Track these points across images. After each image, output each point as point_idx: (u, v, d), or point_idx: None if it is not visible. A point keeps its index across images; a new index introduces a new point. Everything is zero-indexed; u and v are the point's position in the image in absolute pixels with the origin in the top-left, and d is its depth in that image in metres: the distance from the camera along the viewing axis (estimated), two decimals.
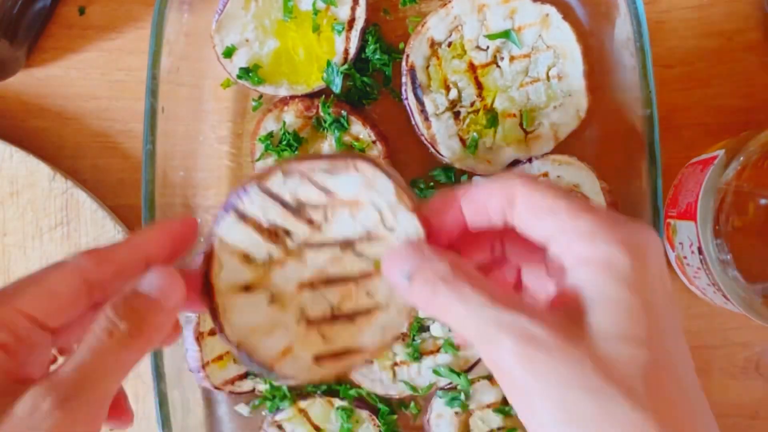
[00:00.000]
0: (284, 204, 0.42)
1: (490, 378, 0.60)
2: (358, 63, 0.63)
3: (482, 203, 0.41)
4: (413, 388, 0.60)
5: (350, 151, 0.43)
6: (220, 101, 0.64)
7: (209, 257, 0.42)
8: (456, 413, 0.60)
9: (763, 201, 0.52)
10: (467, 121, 0.61)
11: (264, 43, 0.62)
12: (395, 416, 0.62)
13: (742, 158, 0.53)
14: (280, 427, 0.60)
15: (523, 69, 0.61)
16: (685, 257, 0.58)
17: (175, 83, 0.59)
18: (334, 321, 0.43)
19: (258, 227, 0.42)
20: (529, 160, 0.60)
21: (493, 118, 0.61)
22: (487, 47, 0.61)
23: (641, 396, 0.36)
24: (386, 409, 0.61)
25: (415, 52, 0.61)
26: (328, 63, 0.61)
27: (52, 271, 0.40)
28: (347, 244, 0.43)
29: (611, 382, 0.36)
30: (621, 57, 0.58)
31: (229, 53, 0.61)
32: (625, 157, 0.59)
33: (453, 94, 0.61)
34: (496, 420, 0.59)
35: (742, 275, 0.53)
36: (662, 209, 0.55)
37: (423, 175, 0.63)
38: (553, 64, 0.61)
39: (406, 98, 0.61)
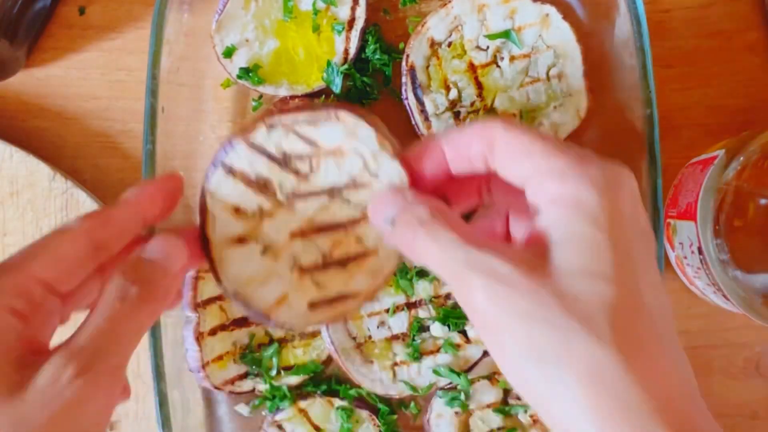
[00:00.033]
0: (270, 156, 0.43)
1: (490, 378, 0.60)
2: (358, 63, 0.63)
3: (464, 148, 0.42)
4: (413, 388, 0.60)
5: (331, 102, 0.44)
6: (220, 101, 0.64)
7: (203, 212, 0.44)
8: (456, 413, 0.60)
9: (763, 201, 0.52)
10: (467, 120, 0.61)
11: (264, 43, 0.62)
12: (395, 416, 0.62)
13: (742, 158, 0.53)
14: (280, 427, 0.60)
15: (523, 69, 0.61)
16: (685, 257, 0.58)
17: (175, 83, 0.59)
18: (326, 268, 0.44)
19: (246, 180, 0.44)
20: None
21: None
22: (487, 47, 0.61)
23: (604, 332, 0.36)
24: (386, 409, 0.61)
25: (415, 52, 0.61)
26: (328, 63, 0.61)
27: (59, 236, 0.40)
28: (334, 192, 0.44)
29: (572, 316, 0.36)
30: (621, 57, 0.58)
31: (229, 53, 0.61)
32: (625, 157, 0.58)
33: (453, 94, 0.61)
34: (496, 420, 0.59)
35: (742, 275, 0.53)
36: (662, 209, 0.55)
37: None
38: (553, 64, 0.61)
39: (406, 98, 0.61)
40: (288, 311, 0.44)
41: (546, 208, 0.39)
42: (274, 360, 0.61)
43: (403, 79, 0.61)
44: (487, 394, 0.60)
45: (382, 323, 0.60)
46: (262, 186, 0.44)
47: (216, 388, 0.60)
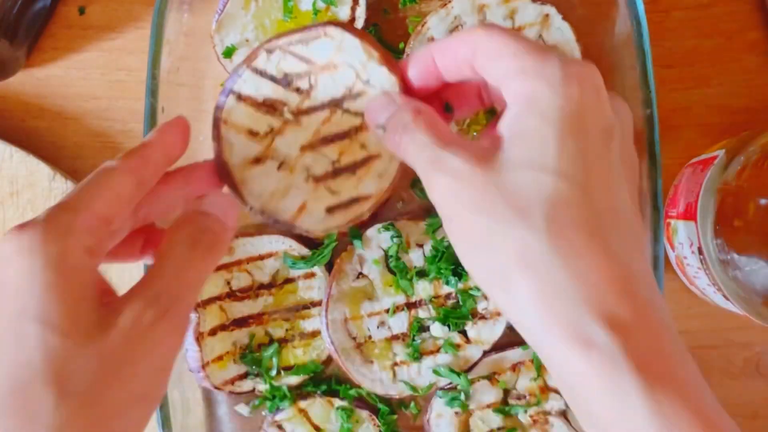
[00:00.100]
0: (273, 78, 0.47)
1: (490, 378, 0.60)
2: None
3: (451, 55, 0.44)
4: (413, 388, 0.60)
5: (321, 21, 0.48)
6: None
7: (219, 140, 0.48)
8: (456, 413, 0.60)
9: (763, 201, 0.52)
10: (467, 121, 0.61)
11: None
12: (395, 416, 0.62)
13: (742, 158, 0.53)
14: (280, 427, 0.60)
15: None
16: (685, 257, 0.58)
17: (175, 83, 0.59)
18: (336, 175, 0.48)
19: (255, 104, 0.47)
20: None
21: None
22: None
23: (539, 222, 0.37)
24: (386, 409, 0.61)
25: None
26: None
27: (109, 175, 0.41)
28: (335, 104, 0.47)
29: (511, 207, 0.38)
30: (621, 57, 0.58)
31: (229, 53, 0.61)
32: None
33: None
34: (496, 420, 0.59)
35: (742, 275, 0.53)
36: (662, 209, 0.55)
37: None
38: None
39: None
40: (309, 218, 0.48)
41: (509, 105, 0.41)
42: (274, 360, 0.61)
43: None
44: (487, 394, 0.60)
45: (382, 323, 0.60)
46: (269, 107, 0.47)
47: (216, 388, 0.60)
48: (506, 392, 0.60)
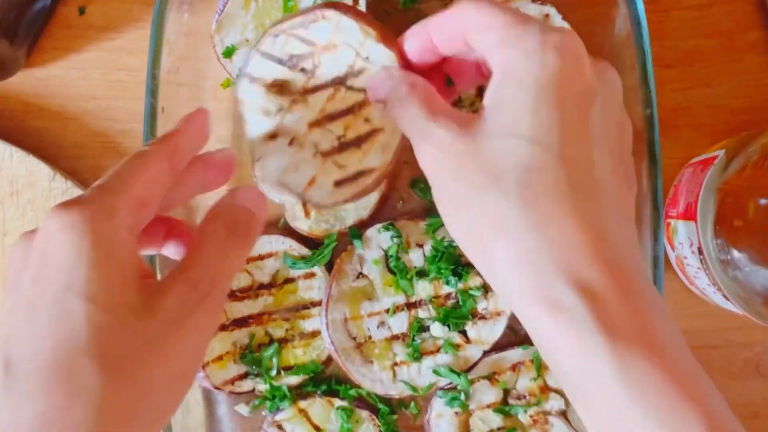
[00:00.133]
0: (279, 60, 0.50)
1: (490, 378, 0.60)
2: None
3: (445, 29, 0.45)
4: (413, 388, 0.60)
5: (321, 3, 0.51)
6: (220, 101, 0.64)
7: (239, 120, 0.51)
8: (456, 413, 0.60)
9: (763, 201, 0.52)
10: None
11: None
12: (395, 416, 0.62)
13: (742, 158, 0.53)
14: (280, 427, 0.60)
15: None
16: (685, 257, 0.58)
17: (175, 83, 0.59)
18: (343, 150, 0.49)
19: (266, 85, 0.50)
20: None
21: None
22: None
23: (512, 188, 0.39)
24: (386, 409, 0.61)
25: None
26: None
27: (146, 158, 0.42)
28: (338, 82, 0.49)
29: (486, 175, 0.39)
30: (621, 57, 0.58)
31: (229, 53, 0.61)
32: None
33: None
34: (496, 420, 0.59)
35: (742, 275, 0.53)
36: (662, 209, 0.55)
37: (423, 176, 0.63)
38: None
39: None
40: (318, 191, 0.50)
41: (492, 76, 0.42)
42: (274, 360, 0.61)
43: None
44: (487, 394, 0.60)
45: (382, 323, 0.60)
46: (279, 88, 0.50)
47: (216, 388, 0.60)
48: (506, 392, 0.60)
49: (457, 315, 0.60)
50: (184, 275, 0.41)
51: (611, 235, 0.39)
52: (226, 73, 0.62)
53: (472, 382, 0.60)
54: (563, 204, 0.39)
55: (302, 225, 0.61)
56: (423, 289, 0.60)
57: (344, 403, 0.61)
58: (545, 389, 0.60)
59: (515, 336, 0.62)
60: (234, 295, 0.61)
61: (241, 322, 0.61)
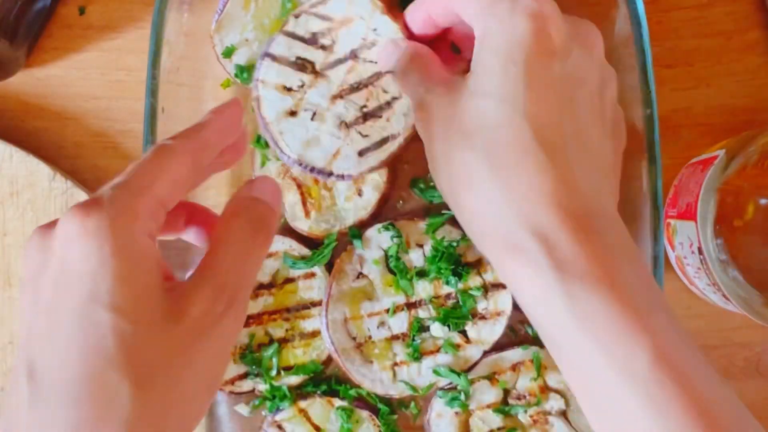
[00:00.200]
0: (302, 39, 0.53)
1: (490, 378, 0.60)
2: None
3: (440, 4, 0.48)
4: (413, 388, 0.60)
5: None
6: (220, 101, 0.63)
7: (257, 100, 0.54)
8: (456, 413, 0.60)
9: (763, 201, 0.52)
10: None
11: (263, 43, 0.62)
12: (395, 416, 0.62)
13: (742, 158, 0.53)
14: (280, 427, 0.60)
15: None
16: (685, 257, 0.58)
17: (175, 83, 0.59)
18: (366, 119, 0.53)
19: (288, 63, 0.54)
20: None
21: None
22: None
23: (479, 143, 0.42)
24: (386, 409, 0.61)
25: None
26: None
27: (169, 156, 0.40)
28: (354, 55, 0.53)
29: (459, 131, 0.43)
30: (621, 57, 0.58)
31: (228, 53, 0.61)
32: (625, 157, 0.59)
33: None
34: (496, 420, 0.59)
35: (742, 275, 0.53)
36: (662, 209, 0.55)
37: (423, 176, 0.63)
38: None
39: None
40: (344, 162, 0.53)
41: (475, 44, 0.45)
42: (274, 360, 0.61)
43: None
44: (487, 394, 0.60)
45: (382, 323, 0.60)
46: (300, 65, 0.53)
47: None
48: (506, 392, 0.60)
49: (457, 315, 0.60)
50: (208, 278, 0.40)
51: (578, 184, 0.42)
52: (226, 73, 0.62)
53: (472, 382, 0.60)
54: (527, 158, 0.41)
55: (302, 225, 0.61)
56: (423, 289, 0.60)
57: (344, 403, 0.61)
58: (545, 389, 0.60)
59: (515, 336, 0.62)
60: None
61: None
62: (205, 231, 0.47)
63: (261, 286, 0.61)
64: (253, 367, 0.61)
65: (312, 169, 0.53)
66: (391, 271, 0.61)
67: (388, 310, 0.60)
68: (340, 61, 0.53)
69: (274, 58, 0.54)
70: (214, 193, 0.64)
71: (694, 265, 0.56)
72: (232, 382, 0.61)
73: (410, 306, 0.60)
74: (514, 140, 0.41)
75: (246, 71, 0.61)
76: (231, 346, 0.42)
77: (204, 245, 0.47)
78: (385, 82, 0.53)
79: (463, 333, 0.60)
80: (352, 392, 0.61)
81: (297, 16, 0.54)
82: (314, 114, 0.53)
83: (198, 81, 0.63)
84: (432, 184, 0.62)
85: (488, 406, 0.60)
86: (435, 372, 0.60)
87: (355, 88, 0.53)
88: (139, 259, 0.37)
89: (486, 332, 0.60)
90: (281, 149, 0.54)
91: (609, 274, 0.39)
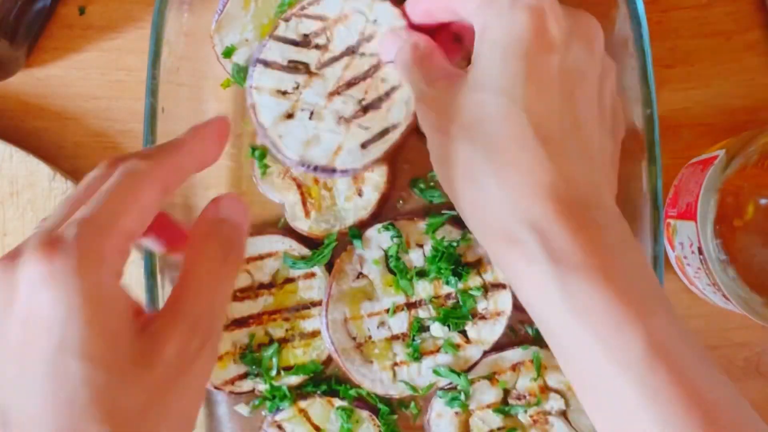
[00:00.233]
0: (294, 42, 0.53)
1: (490, 378, 0.60)
2: None
3: (442, 1, 0.48)
4: (413, 388, 0.60)
5: None
6: (220, 101, 0.64)
7: (254, 107, 0.53)
8: (456, 413, 0.60)
9: (763, 201, 0.52)
10: None
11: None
12: (395, 416, 0.62)
13: (742, 158, 0.53)
14: (280, 427, 0.60)
15: None
16: (685, 257, 0.58)
17: (175, 83, 0.59)
18: (366, 111, 0.52)
19: (281, 67, 0.53)
20: None
21: None
22: None
23: (477, 136, 0.43)
24: (386, 409, 0.61)
25: None
26: None
27: (139, 184, 0.38)
28: (352, 51, 0.52)
29: (458, 124, 0.43)
30: (621, 57, 0.58)
31: (228, 53, 0.61)
32: (625, 157, 0.59)
33: None
34: (496, 420, 0.59)
35: (742, 275, 0.53)
36: (662, 209, 0.55)
37: (423, 176, 0.63)
38: None
39: None
40: (346, 157, 0.52)
41: (475, 38, 0.45)
42: (274, 360, 0.61)
43: None
44: (487, 394, 0.60)
45: (382, 323, 0.60)
46: (293, 67, 0.53)
47: (216, 388, 0.60)
48: (506, 392, 0.60)
49: (457, 315, 0.60)
50: (180, 314, 0.38)
51: (576, 177, 0.42)
52: (226, 73, 0.62)
53: (472, 382, 0.60)
54: (525, 151, 0.41)
55: (302, 225, 0.61)
56: (423, 289, 0.60)
57: (344, 403, 0.61)
58: (545, 389, 0.60)
59: (515, 336, 0.62)
60: (234, 296, 0.61)
61: (241, 322, 0.61)
62: (164, 241, 0.44)
63: (261, 286, 0.61)
64: (253, 367, 0.61)
65: (315, 168, 0.53)
66: (391, 271, 0.61)
67: (388, 310, 0.60)
68: (336, 59, 0.53)
69: (266, 63, 0.53)
70: (214, 193, 0.64)
71: (694, 265, 0.56)
72: (232, 382, 0.61)
73: (410, 306, 0.60)
74: (512, 134, 0.42)
75: (244, 71, 0.61)
76: (207, 381, 0.40)
77: (161, 252, 0.45)
78: (384, 72, 0.52)
79: (463, 333, 0.60)
80: (352, 392, 0.61)
81: (287, 20, 0.53)
82: (312, 113, 0.52)
83: (198, 81, 0.63)
84: (432, 183, 0.62)
85: (488, 406, 0.60)
86: (435, 372, 0.60)
87: (353, 83, 0.53)
88: (108, 303, 0.36)
89: (486, 332, 0.60)
90: (282, 152, 0.53)
91: (605, 265, 0.40)
